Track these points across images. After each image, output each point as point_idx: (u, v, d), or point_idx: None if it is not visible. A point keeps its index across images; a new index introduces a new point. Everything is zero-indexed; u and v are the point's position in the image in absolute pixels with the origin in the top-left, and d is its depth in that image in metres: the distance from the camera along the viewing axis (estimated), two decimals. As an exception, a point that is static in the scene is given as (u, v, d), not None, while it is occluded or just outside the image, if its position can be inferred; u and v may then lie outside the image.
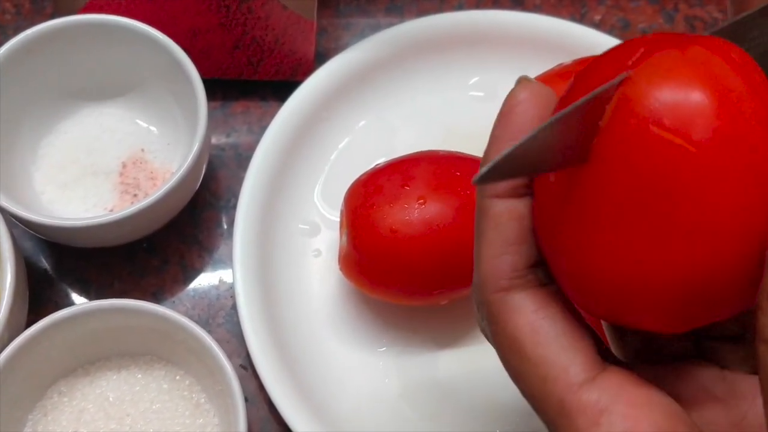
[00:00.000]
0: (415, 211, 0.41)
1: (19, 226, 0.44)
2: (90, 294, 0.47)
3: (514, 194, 0.25)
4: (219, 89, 0.51)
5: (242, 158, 0.50)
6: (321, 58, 0.51)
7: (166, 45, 0.44)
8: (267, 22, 0.48)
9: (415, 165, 0.43)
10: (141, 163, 0.48)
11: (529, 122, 0.25)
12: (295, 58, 0.50)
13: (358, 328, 0.46)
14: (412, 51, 0.51)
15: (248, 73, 0.50)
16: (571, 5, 0.55)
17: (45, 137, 0.48)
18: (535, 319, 0.24)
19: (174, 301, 0.47)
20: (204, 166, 0.46)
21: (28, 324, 0.40)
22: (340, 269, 0.44)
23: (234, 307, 0.45)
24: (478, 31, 0.51)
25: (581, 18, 0.55)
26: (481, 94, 0.52)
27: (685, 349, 0.28)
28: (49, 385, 0.42)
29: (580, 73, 0.25)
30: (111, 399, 0.42)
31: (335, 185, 0.48)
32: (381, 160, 0.45)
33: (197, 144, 0.43)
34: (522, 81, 0.26)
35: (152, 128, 0.49)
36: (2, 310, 0.39)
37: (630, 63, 0.23)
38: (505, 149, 0.22)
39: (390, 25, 0.51)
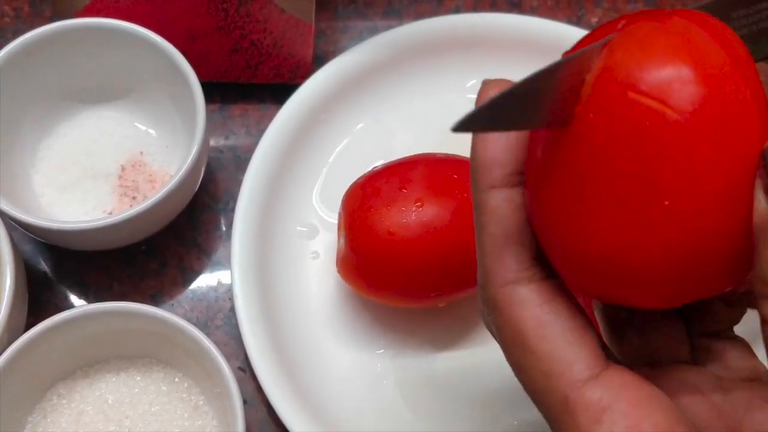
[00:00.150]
0: (413, 214, 0.41)
1: (18, 229, 0.44)
2: (89, 297, 0.47)
3: (509, 183, 0.25)
4: (217, 92, 0.51)
5: (241, 161, 0.50)
6: (319, 61, 0.51)
7: (165, 48, 0.45)
8: (265, 26, 0.48)
9: (412, 168, 0.43)
10: (140, 165, 0.48)
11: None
12: (293, 61, 0.50)
13: (355, 330, 0.46)
14: (410, 54, 0.51)
15: (246, 76, 0.51)
16: (568, 8, 0.55)
17: (44, 140, 0.48)
18: (540, 313, 0.24)
19: (173, 304, 0.47)
20: (202, 169, 0.46)
21: (28, 326, 0.40)
22: (338, 271, 0.44)
23: (232, 309, 0.45)
24: (475, 34, 0.51)
25: (578, 20, 0.55)
26: (478, 96, 0.52)
27: (681, 354, 0.28)
28: (49, 388, 0.42)
29: (568, 51, 0.25)
30: (110, 401, 0.42)
31: (333, 187, 0.48)
32: (379, 163, 0.45)
33: (196, 147, 0.43)
34: (486, 81, 0.25)
35: (151, 131, 0.49)
36: (2, 313, 0.39)
37: (613, 34, 0.23)
38: (484, 104, 0.21)
39: (388, 28, 0.51)
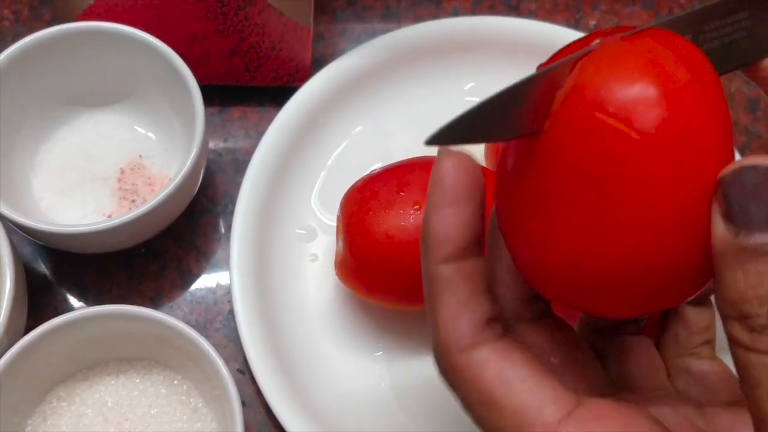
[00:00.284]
0: (411, 217, 0.41)
1: (18, 232, 0.44)
2: (88, 299, 0.47)
3: (461, 257, 0.25)
4: (216, 95, 0.51)
5: (239, 163, 0.50)
6: (318, 64, 0.51)
7: (164, 52, 0.45)
8: (264, 29, 0.48)
9: (410, 171, 0.43)
10: (139, 169, 0.48)
11: (462, 186, 0.24)
12: (291, 64, 0.50)
13: (354, 333, 0.46)
14: (408, 57, 0.51)
15: (245, 79, 0.51)
16: (566, 11, 0.55)
17: (43, 144, 0.48)
18: (502, 368, 0.24)
19: (172, 306, 0.47)
20: (202, 172, 0.46)
21: (28, 329, 0.40)
22: (337, 274, 0.44)
23: (231, 311, 0.45)
24: (474, 37, 0.51)
25: (576, 23, 0.55)
26: (476, 99, 0.50)
27: (658, 379, 0.29)
28: (48, 390, 0.42)
29: (543, 63, 0.25)
30: (110, 404, 0.42)
31: (332, 190, 0.48)
32: (377, 166, 0.46)
33: (195, 150, 0.43)
34: (442, 152, 0.25)
35: (150, 134, 0.49)
36: (2, 316, 0.39)
37: (586, 49, 0.24)
38: (456, 118, 0.21)
39: (386, 31, 0.51)
